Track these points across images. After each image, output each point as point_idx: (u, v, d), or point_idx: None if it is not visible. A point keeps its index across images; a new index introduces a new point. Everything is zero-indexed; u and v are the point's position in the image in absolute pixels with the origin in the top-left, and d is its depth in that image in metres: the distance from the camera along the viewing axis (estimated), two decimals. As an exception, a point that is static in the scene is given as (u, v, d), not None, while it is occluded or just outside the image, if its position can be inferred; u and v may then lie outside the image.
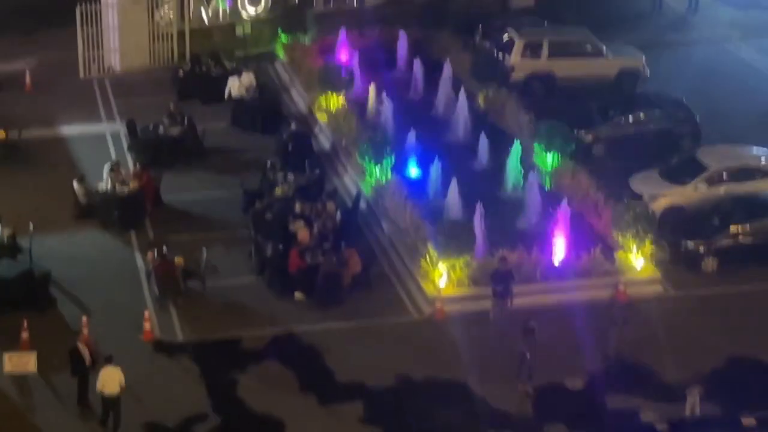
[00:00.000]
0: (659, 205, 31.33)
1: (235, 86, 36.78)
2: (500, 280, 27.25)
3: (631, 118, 35.59)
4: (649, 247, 29.08)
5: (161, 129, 34.25)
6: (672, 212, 31.33)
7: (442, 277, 28.04)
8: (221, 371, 25.61)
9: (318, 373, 25.71)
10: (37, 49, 40.20)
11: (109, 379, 23.52)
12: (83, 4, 38.50)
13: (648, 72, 39.34)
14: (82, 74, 39.12)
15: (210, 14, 41.19)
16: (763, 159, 32.83)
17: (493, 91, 36.81)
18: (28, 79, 38.23)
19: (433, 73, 38.01)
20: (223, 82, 37.20)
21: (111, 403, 23.66)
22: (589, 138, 34.92)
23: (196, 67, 38.45)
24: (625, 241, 29.25)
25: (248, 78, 37.00)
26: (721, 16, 46.31)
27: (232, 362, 25.91)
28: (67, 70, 39.03)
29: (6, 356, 24.48)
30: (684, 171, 32.41)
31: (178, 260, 27.98)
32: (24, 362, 24.32)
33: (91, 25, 38.84)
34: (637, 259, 28.98)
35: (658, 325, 27.39)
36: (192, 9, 40.74)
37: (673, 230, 30.56)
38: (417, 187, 31.49)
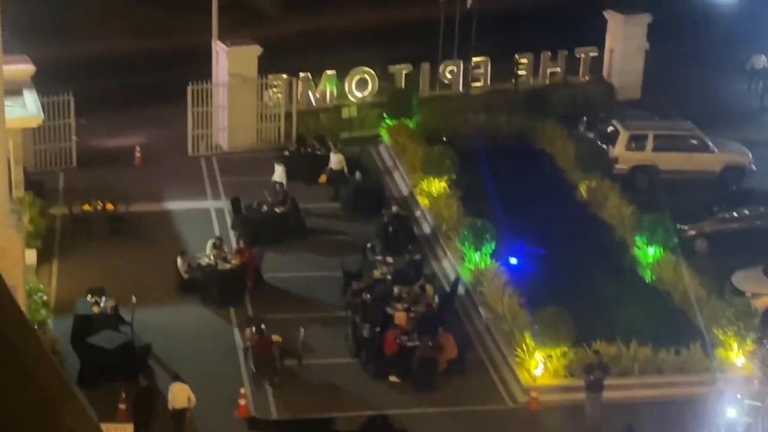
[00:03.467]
0: (762, 303, 30.85)
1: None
2: (593, 373, 26.99)
3: (735, 215, 35.25)
4: (750, 345, 28.62)
5: (265, 208, 34.73)
6: (775, 311, 30.85)
7: (539, 366, 27.86)
8: (313, 451, 25.65)
9: (410, 457, 25.62)
10: (147, 126, 41.14)
11: (179, 394, 25.13)
12: (194, 83, 39.37)
13: (754, 168, 38.99)
14: (190, 151, 39.89)
15: (317, 96, 41.89)
16: None
17: (596, 182, 36.74)
18: (137, 155, 39.09)
19: (536, 162, 38.14)
20: (329, 163, 37.67)
21: (179, 417, 25.04)
22: (692, 233, 34.63)
23: (302, 148, 38.99)
24: (726, 339, 28.83)
25: (338, 159, 37.38)
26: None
27: (324, 442, 25.92)
28: (176, 147, 39.85)
29: (103, 427, 24.78)
30: (788, 269, 31.94)
31: (276, 338, 28.19)
32: (121, 433, 24.65)
33: (201, 105, 39.67)
34: (738, 357, 28.52)
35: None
36: (300, 91, 41.46)
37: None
38: (516, 275, 31.45)
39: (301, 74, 41.51)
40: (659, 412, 26.81)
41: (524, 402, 27.56)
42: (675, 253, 32.71)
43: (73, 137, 37.70)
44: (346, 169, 37.29)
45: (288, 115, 40.86)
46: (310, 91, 41.77)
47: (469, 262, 32.09)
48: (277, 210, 34.63)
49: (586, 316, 29.15)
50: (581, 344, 28.27)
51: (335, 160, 37.44)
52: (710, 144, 39.05)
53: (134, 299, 28.75)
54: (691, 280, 31.12)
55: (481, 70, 44.27)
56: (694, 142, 39.24)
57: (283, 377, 27.99)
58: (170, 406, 25.45)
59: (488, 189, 35.37)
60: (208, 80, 40.09)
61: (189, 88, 39.21)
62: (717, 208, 35.41)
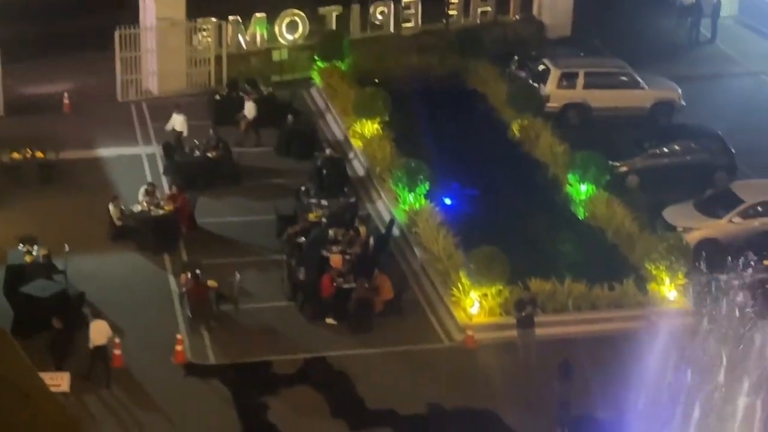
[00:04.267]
0: (693, 237, 31.25)
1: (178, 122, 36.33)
2: (524, 309, 27.23)
3: (666, 150, 35.56)
4: (682, 279, 28.99)
5: (197, 152, 34.46)
6: (706, 245, 31.23)
7: (474, 305, 28.05)
8: (252, 395, 25.67)
9: (349, 398, 25.74)
10: (75, 72, 40.56)
11: (98, 332, 25.34)
12: (122, 28, 38.84)
13: (684, 104, 39.33)
14: (119, 97, 39.43)
15: (248, 40, 41.52)
16: (798, 193, 32.74)
17: (529, 121, 36.85)
18: (66, 101, 38.56)
19: (468, 102, 38.15)
20: (260, 107, 37.35)
21: (101, 354, 25.33)
22: (623, 169, 34.91)
23: (233, 92, 38.66)
24: (659, 273, 29.18)
25: (250, 106, 36.96)
26: (759, 49, 46.25)
27: (263, 386, 25.97)
28: (105, 92, 39.35)
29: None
30: (719, 204, 32.35)
31: (212, 283, 28.10)
32: (57, 382, 24.46)
33: (130, 49, 39.17)
34: (670, 292, 28.89)
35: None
36: (229, 34, 41.06)
37: (706, 263, 30.41)
38: (451, 215, 31.54)
39: (230, 17, 41.10)
40: (595, 347, 27.11)
41: (460, 340, 27.76)
42: (607, 189, 32.98)
43: None
44: (254, 115, 36.71)
45: (218, 59, 40.48)
46: (239, 35, 41.39)
47: (404, 203, 32.13)
48: (209, 155, 34.38)
49: (521, 254, 29.33)
50: (516, 282, 28.48)
51: (248, 108, 36.99)
52: (640, 80, 39.30)
53: (67, 247, 28.48)
54: (623, 216, 31.42)
55: (412, 11, 44.10)
56: (624, 78, 39.46)
57: (219, 322, 27.94)
58: (91, 344, 25.47)
59: (421, 130, 35.39)
60: (135, 24, 39.56)
61: (117, 33, 38.69)
62: (648, 144, 35.71)
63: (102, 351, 25.55)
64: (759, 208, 31.99)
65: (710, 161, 35.32)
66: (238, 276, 28.59)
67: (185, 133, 35.36)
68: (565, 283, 28.68)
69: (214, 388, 25.91)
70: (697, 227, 31.68)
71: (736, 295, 28.45)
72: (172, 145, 34.84)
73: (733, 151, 35.65)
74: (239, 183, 34.37)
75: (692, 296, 28.67)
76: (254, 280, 29.47)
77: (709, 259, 30.49)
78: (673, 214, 32.20)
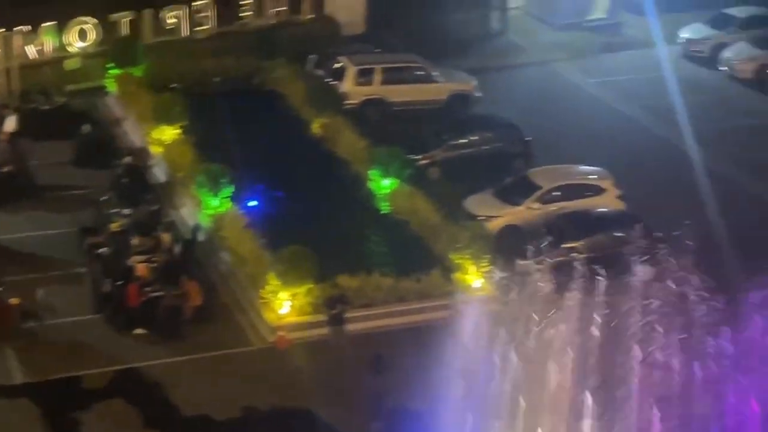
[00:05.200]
0: (495, 225, 31.93)
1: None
2: (335, 306, 27.42)
3: (463, 141, 36.23)
4: (486, 267, 29.55)
5: (-11, 168, 33.53)
6: (507, 232, 31.93)
7: (284, 305, 28.07)
8: (63, 411, 25.14)
9: (162, 408, 25.45)
10: None
11: None
12: None
13: (479, 95, 40.15)
14: None
15: (38, 49, 40.46)
16: (591, 176, 33.80)
17: (329, 119, 37.02)
18: None
19: (268, 103, 38.14)
20: (55, 117, 36.57)
21: None
22: (423, 162, 35.41)
23: (26, 104, 37.69)
24: (463, 262, 29.69)
25: (11, 120, 36.06)
26: (547, 39, 47.56)
27: (74, 402, 25.45)
28: None
29: None
30: (517, 191, 33.13)
31: (13, 301, 27.40)
32: None
33: None
34: (475, 280, 29.44)
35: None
36: (19, 45, 39.96)
37: (508, 250, 31.11)
38: (256, 217, 31.46)
39: (17, 28, 40.01)
40: (405, 338, 27.43)
41: (272, 341, 27.76)
42: (409, 182, 33.39)
43: None
44: (14, 129, 35.79)
45: (7, 71, 39.42)
46: (29, 45, 40.32)
47: (208, 208, 31.91)
48: (3, 169, 33.48)
49: (329, 251, 29.46)
50: (325, 280, 28.61)
51: (8, 122, 35.82)
52: (435, 74, 39.98)
53: None
54: (426, 208, 31.88)
55: (206, 14, 43.75)
56: (420, 73, 40.10)
57: (25, 340, 27.24)
58: None
59: (222, 133, 35.18)
60: None
61: None
62: (446, 135, 36.32)
63: None
64: (555, 193, 32.89)
65: (507, 150, 36.15)
66: (41, 292, 27.95)
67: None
68: (373, 277, 28.95)
69: (23, 407, 25.27)
70: (498, 215, 32.39)
71: (537, 279, 29.25)
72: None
73: (528, 138, 36.57)
74: (37, 196, 33.57)
75: (496, 283, 29.28)
76: (59, 295, 28.83)
77: (511, 245, 31.36)
78: (474, 203, 32.84)
